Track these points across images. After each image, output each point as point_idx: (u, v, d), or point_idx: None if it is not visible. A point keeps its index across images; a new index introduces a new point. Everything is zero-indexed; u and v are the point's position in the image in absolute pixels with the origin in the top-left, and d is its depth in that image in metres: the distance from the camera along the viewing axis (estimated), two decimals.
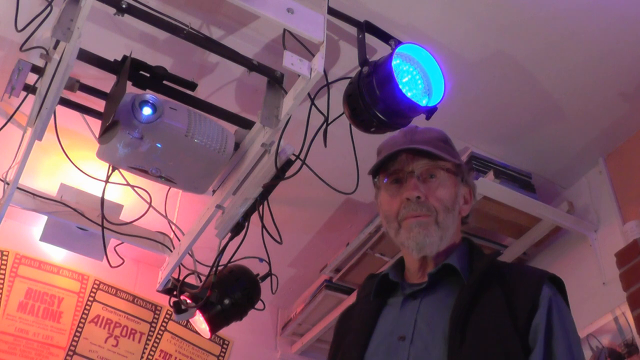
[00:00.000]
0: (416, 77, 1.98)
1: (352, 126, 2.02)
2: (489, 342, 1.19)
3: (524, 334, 1.21)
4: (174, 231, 2.46)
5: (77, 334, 2.94)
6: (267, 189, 2.06)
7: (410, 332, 1.28)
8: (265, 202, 2.10)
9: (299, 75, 1.81)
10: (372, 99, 1.89)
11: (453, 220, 1.40)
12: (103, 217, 2.25)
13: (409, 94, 1.88)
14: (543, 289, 1.26)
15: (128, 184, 2.35)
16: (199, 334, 2.63)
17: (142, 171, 2.00)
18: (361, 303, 1.46)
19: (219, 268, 2.24)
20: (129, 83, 1.95)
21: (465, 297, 1.26)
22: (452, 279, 1.33)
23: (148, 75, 2.02)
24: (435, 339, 1.24)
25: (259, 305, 2.45)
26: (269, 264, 2.26)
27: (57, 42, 1.82)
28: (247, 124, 2.13)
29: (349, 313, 1.50)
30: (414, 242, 1.36)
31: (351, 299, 3.09)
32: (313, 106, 2.01)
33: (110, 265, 2.38)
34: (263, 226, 2.09)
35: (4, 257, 2.91)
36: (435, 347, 1.23)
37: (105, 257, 2.36)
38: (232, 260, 2.29)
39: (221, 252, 2.18)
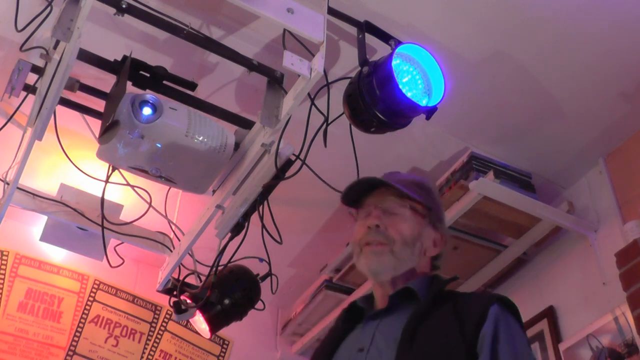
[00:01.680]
0: (416, 77, 1.98)
1: (352, 126, 2.02)
2: (435, 348, 1.29)
3: (471, 344, 1.29)
4: (174, 231, 2.46)
5: (77, 334, 2.94)
6: (267, 189, 2.06)
7: (368, 344, 1.38)
8: (265, 202, 2.10)
9: (299, 75, 1.81)
10: (372, 99, 1.89)
11: (411, 254, 1.49)
12: (103, 217, 2.25)
13: (409, 94, 1.88)
14: (492, 306, 1.35)
15: (128, 184, 2.35)
16: (199, 334, 2.63)
17: (142, 171, 2.00)
18: (333, 330, 1.58)
19: (219, 268, 2.24)
20: (129, 83, 1.95)
21: (418, 311, 1.36)
22: (412, 303, 1.42)
23: (148, 75, 2.02)
24: (388, 346, 1.34)
25: (259, 305, 2.45)
26: (269, 264, 2.26)
27: (57, 42, 1.82)
28: (247, 124, 2.13)
29: (324, 338, 1.61)
30: (367, 267, 1.49)
31: (351, 299, 3.10)
32: (313, 106, 2.01)
33: (110, 265, 2.38)
34: (263, 226, 2.09)
35: (4, 257, 2.91)
36: (387, 353, 1.33)
37: (105, 257, 2.36)
38: (232, 260, 2.29)
39: (221, 252, 2.18)
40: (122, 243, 2.51)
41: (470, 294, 1.49)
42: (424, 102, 1.94)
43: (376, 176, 1.58)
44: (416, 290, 1.43)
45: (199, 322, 2.44)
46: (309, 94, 1.94)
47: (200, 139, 1.94)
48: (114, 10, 1.83)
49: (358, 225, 1.56)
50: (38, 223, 2.84)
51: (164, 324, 3.17)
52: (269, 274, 2.35)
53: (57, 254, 3.01)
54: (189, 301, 2.38)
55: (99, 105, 2.08)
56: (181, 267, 2.41)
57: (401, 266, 1.47)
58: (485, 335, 1.29)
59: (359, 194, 1.59)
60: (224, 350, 3.29)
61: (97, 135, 1.87)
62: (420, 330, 1.32)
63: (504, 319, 1.34)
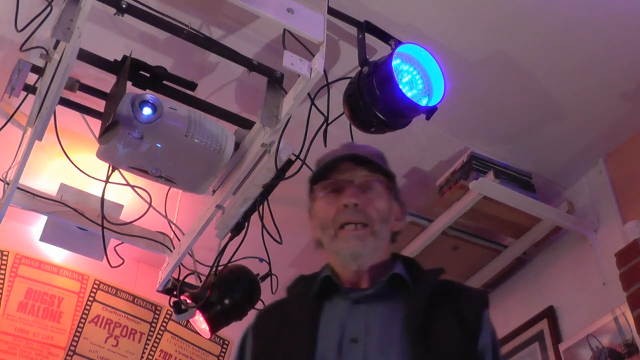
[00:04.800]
0: (416, 77, 1.98)
1: (352, 126, 2.02)
2: (453, 353, 1.26)
3: (478, 355, 1.28)
4: (174, 231, 2.46)
5: (77, 334, 2.94)
6: (267, 189, 2.06)
7: (362, 335, 1.29)
8: (265, 202, 2.10)
9: (299, 75, 1.81)
10: (372, 99, 1.89)
11: (387, 232, 1.41)
12: (103, 217, 2.25)
13: (409, 94, 1.88)
14: (484, 311, 1.34)
15: (128, 184, 2.34)
16: (199, 334, 2.63)
17: (142, 171, 2.00)
18: (295, 301, 1.43)
19: (219, 268, 2.24)
20: (129, 83, 1.95)
21: (418, 306, 1.30)
22: (401, 291, 1.35)
23: (148, 75, 2.02)
24: (391, 342, 1.27)
25: (259, 305, 2.45)
26: (269, 264, 2.26)
27: (57, 42, 1.82)
28: (247, 124, 2.13)
29: (276, 311, 1.45)
30: (349, 252, 1.37)
31: None
32: (313, 106, 2.01)
33: (110, 265, 2.38)
34: (263, 226, 2.09)
35: (4, 257, 2.91)
36: (393, 350, 1.26)
37: (105, 257, 2.36)
38: (232, 260, 2.29)
39: (221, 252, 2.18)
40: (122, 243, 2.50)
41: (462, 289, 1.42)
42: (424, 102, 1.94)
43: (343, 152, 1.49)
44: (406, 277, 1.36)
45: (199, 322, 2.44)
46: (309, 94, 1.94)
47: (200, 139, 1.94)
48: (114, 10, 1.82)
49: (325, 203, 1.44)
50: (38, 223, 2.84)
51: (164, 324, 3.17)
52: (269, 274, 2.35)
53: (57, 254, 3.01)
54: (189, 301, 2.38)
55: (99, 105, 2.08)
56: (181, 267, 2.41)
57: (380, 247, 1.38)
58: (487, 347, 1.29)
59: (323, 167, 1.48)
60: (224, 350, 3.29)
61: (97, 135, 1.87)
62: (432, 331, 1.26)
63: (492, 325, 1.34)
